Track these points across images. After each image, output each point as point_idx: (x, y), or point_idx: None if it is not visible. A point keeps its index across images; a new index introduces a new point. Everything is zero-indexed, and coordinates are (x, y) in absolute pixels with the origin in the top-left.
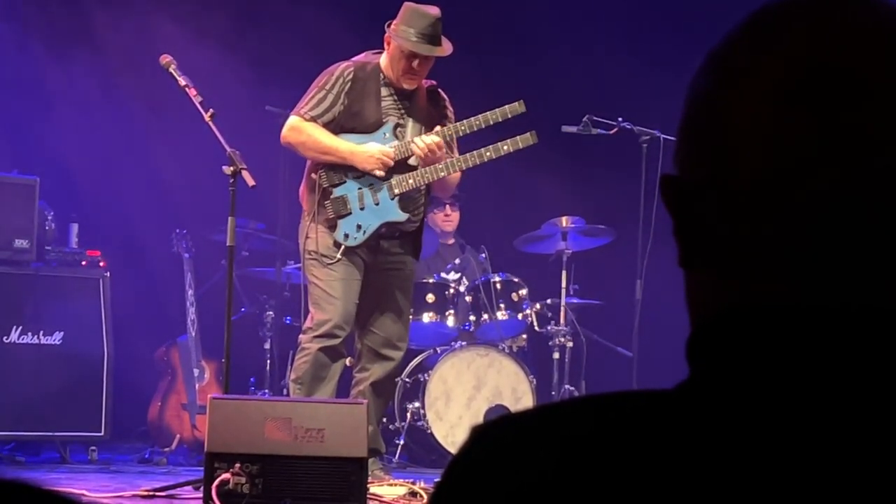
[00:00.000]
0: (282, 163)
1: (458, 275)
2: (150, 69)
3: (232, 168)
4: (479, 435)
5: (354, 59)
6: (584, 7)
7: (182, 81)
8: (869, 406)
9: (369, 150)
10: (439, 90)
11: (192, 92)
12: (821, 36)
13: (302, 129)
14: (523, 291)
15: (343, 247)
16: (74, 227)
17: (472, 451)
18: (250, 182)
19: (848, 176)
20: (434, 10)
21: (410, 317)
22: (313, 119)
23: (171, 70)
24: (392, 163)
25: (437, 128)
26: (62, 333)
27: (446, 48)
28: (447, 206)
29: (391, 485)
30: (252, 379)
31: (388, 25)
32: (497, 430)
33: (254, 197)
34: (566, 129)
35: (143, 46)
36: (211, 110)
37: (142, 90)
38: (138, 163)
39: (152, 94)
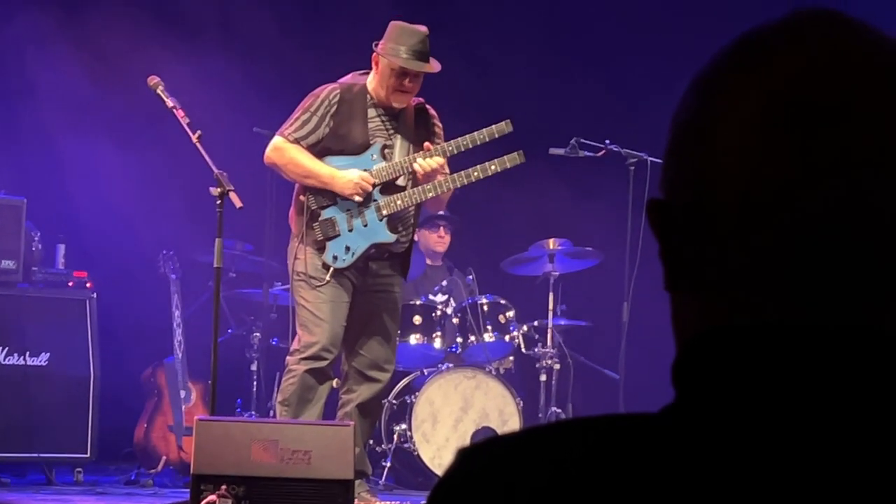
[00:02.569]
0: (269, 185)
1: (446, 296)
2: (138, 90)
3: (219, 189)
4: (466, 457)
5: (341, 80)
6: (572, 30)
7: (170, 103)
8: (853, 426)
9: (349, 175)
10: (427, 107)
11: (179, 113)
12: (805, 61)
13: (285, 151)
14: (510, 313)
15: (332, 269)
16: (61, 248)
17: (459, 473)
18: (238, 204)
19: (830, 199)
20: (422, 28)
21: (398, 339)
22: (297, 141)
23: (158, 91)
24: (371, 188)
25: (426, 144)
26: (48, 354)
27: (435, 65)
28: (441, 228)
29: None
30: (239, 400)
31: (376, 45)
32: (483, 452)
33: (241, 218)
34: (554, 151)
35: (130, 67)
36: (198, 131)
37: (129, 111)
38: (125, 184)
39: (140, 114)
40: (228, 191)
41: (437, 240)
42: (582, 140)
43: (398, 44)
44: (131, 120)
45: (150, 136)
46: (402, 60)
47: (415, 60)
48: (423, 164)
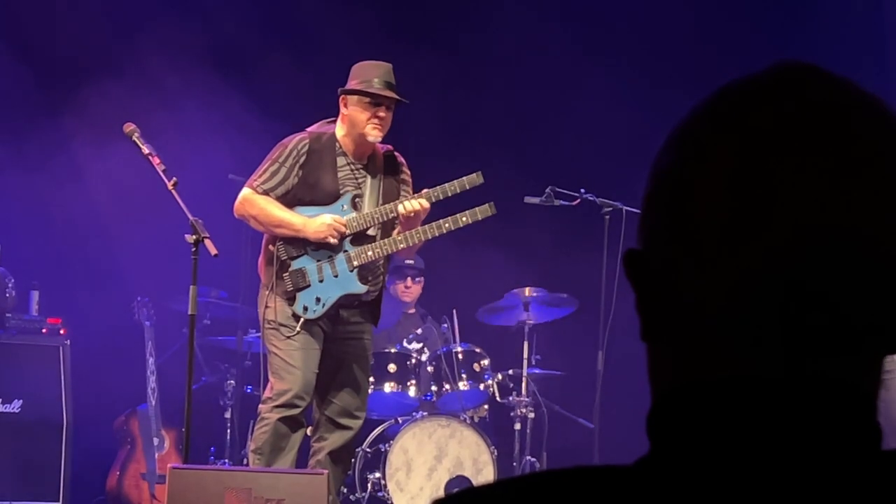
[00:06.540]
0: (244, 231)
1: (420, 345)
2: (113, 136)
3: (194, 236)
4: None
5: (309, 129)
6: (548, 80)
7: (145, 149)
8: (821, 477)
9: (322, 218)
10: (396, 154)
11: (155, 160)
12: (781, 116)
13: (254, 203)
14: (485, 362)
15: (302, 319)
16: (35, 295)
17: None
18: (212, 251)
19: (805, 254)
20: (386, 62)
21: (370, 386)
22: (266, 192)
23: (134, 138)
24: (346, 230)
25: (394, 203)
26: (21, 401)
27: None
28: (408, 279)
29: None
30: (212, 448)
31: (341, 90)
32: None
33: (216, 265)
34: (529, 199)
35: (105, 112)
36: (174, 178)
37: (103, 156)
38: (100, 230)
39: (115, 161)
40: (203, 238)
41: (403, 290)
42: (557, 189)
43: (367, 77)
44: (105, 166)
45: (124, 182)
46: (376, 89)
47: (386, 90)
48: (407, 206)
